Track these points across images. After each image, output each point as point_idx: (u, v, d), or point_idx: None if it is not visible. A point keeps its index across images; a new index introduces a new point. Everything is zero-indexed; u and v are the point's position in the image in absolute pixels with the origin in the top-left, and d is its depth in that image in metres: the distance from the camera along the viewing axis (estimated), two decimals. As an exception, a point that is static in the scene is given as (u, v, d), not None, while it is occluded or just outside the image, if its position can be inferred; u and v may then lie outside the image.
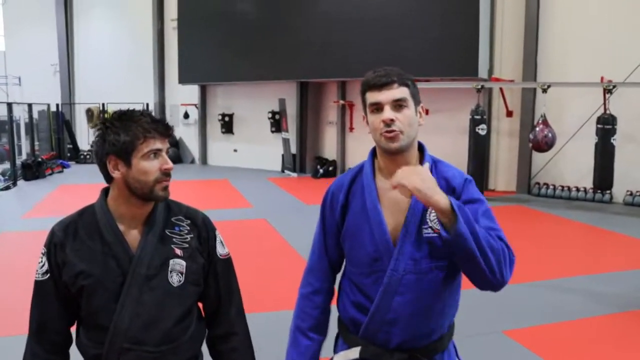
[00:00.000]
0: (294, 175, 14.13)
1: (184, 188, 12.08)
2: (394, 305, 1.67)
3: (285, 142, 14.34)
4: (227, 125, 16.06)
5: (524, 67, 11.01)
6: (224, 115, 16.04)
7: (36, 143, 15.25)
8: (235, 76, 14.73)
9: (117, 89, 17.24)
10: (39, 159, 13.89)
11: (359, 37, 12.13)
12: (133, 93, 17.15)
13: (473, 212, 1.59)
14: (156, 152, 1.61)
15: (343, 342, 1.82)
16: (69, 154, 16.99)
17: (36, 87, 17.88)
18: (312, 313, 1.85)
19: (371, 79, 1.67)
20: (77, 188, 12.08)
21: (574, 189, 10.52)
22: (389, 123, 1.63)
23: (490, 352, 3.98)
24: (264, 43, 13.83)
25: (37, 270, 1.67)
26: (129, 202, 1.64)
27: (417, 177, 1.52)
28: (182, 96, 16.86)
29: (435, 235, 1.64)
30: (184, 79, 16.00)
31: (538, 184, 10.95)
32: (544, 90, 9.42)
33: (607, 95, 9.02)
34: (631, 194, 9.87)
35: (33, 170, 13.18)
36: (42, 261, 1.66)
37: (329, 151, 14.45)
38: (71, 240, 1.64)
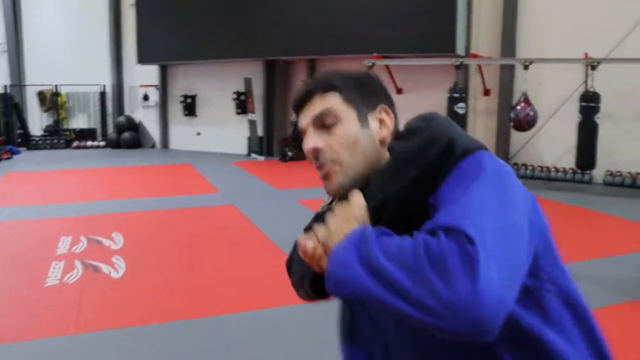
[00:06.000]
0: (261, 158, 13.47)
1: (144, 174, 11.37)
2: None
3: (252, 124, 13.65)
4: (190, 107, 15.27)
5: (502, 43, 10.56)
6: (186, 96, 15.23)
7: (-18, 128, 14.17)
8: (197, 55, 13.92)
9: (70, 70, 16.23)
10: (-15, 144, 12.88)
11: (328, 12, 11.50)
12: (88, 74, 16.26)
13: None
14: None
15: None
16: (19, 140, 15.92)
17: (-19, 69, 16.68)
18: None
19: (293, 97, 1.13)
20: (26, 175, 11.19)
21: (553, 169, 10.18)
22: (312, 156, 1.04)
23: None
24: (227, 20, 13.06)
25: None
26: None
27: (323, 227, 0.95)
28: (141, 77, 15.93)
29: None
30: (142, 58, 15.08)
31: (517, 164, 10.58)
32: (526, 67, 9.01)
33: (590, 72, 8.67)
34: (611, 174, 9.58)
35: (-22, 157, 12.22)
36: None
37: (298, 134, 13.81)
38: None
